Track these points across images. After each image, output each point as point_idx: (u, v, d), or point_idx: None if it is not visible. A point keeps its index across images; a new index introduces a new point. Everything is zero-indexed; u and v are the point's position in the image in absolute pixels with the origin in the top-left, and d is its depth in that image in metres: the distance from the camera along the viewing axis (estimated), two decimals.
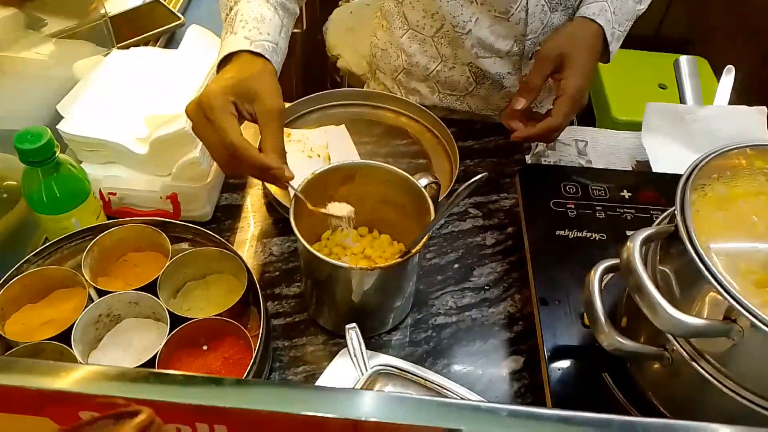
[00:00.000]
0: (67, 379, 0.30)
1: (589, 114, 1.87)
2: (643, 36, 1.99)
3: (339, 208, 0.70)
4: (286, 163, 0.67)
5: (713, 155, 0.58)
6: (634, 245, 0.53)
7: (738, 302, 0.48)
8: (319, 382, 0.67)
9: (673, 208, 0.57)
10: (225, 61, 0.70)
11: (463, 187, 0.55)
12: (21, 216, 0.77)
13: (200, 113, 0.63)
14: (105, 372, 0.30)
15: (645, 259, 0.57)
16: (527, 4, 0.89)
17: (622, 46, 0.90)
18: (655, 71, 1.83)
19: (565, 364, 0.66)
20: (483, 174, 0.54)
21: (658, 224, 0.63)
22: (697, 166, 0.57)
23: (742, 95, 1.08)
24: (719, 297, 0.49)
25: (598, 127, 1.04)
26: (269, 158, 0.64)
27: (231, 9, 0.74)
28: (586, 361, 0.67)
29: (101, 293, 0.68)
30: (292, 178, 0.67)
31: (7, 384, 0.30)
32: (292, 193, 0.84)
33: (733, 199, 0.58)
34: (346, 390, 0.33)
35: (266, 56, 0.69)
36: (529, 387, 0.71)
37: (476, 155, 0.97)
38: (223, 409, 0.29)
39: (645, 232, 0.54)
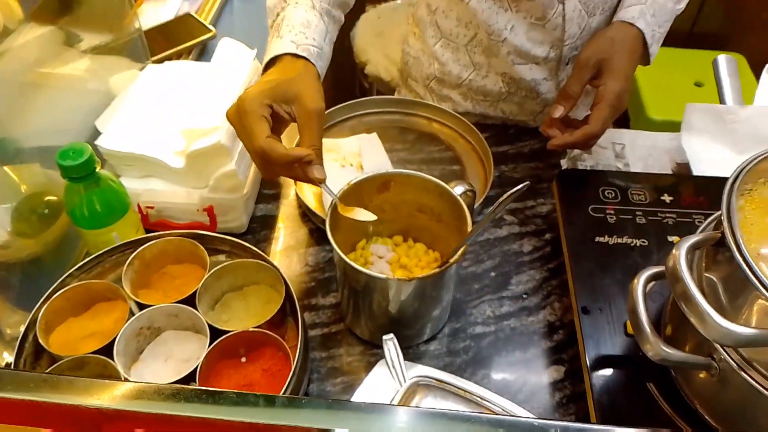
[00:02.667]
0: (123, 398, 0.30)
1: (623, 114, 1.84)
2: (678, 32, 1.95)
3: (365, 214, 0.70)
4: (321, 163, 0.67)
5: (759, 158, 0.56)
6: (680, 253, 0.52)
7: None
8: (357, 394, 0.67)
9: (718, 213, 0.55)
10: (270, 65, 0.71)
11: (504, 197, 0.54)
12: (63, 230, 0.79)
13: (236, 118, 0.65)
14: (160, 389, 0.30)
15: (690, 266, 0.55)
16: (564, 9, 0.88)
17: None
18: (691, 69, 1.79)
19: (608, 373, 0.65)
20: (525, 183, 0.53)
21: (703, 230, 0.62)
22: (743, 170, 0.55)
23: None
24: None
25: (632, 128, 1.02)
26: (296, 150, 0.64)
27: (278, 15, 0.75)
28: (630, 371, 0.65)
29: (142, 306, 0.69)
30: (323, 177, 0.67)
31: (65, 403, 0.30)
32: (326, 194, 0.83)
33: None
34: (394, 407, 0.32)
35: (311, 60, 0.70)
36: (571, 397, 0.70)
37: (510, 160, 0.96)
38: (276, 427, 0.29)
39: (691, 240, 0.53)
